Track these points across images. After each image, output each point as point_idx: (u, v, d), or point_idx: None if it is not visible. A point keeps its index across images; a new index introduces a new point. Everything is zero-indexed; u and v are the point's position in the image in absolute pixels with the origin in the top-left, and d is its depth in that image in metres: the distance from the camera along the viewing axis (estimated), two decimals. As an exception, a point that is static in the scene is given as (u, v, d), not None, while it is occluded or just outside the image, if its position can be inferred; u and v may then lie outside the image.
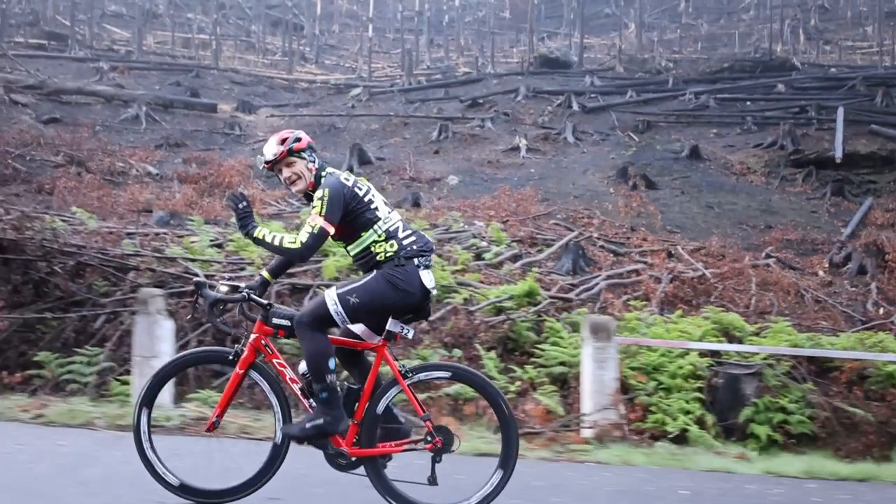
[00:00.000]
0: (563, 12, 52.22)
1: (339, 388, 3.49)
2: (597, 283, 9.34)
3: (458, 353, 7.50)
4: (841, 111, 19.03)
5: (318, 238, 3.37)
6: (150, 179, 17.11)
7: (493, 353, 7.43)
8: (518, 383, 7.00)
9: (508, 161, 19.27)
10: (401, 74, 37.18)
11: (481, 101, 26.14)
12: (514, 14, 51.39)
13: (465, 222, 12.11)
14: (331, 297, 3.43)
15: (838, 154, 16.78)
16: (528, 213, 13.24)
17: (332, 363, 3.43)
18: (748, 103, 23.67)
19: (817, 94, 24.10)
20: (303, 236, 3.38)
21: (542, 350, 7.27)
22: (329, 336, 3.56)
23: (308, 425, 3.47)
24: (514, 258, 10.46)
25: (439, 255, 9.75)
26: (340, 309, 3.40)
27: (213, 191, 17.11)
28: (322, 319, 3.44)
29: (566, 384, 7.11)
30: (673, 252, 11.61)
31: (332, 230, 3.37)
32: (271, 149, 3.52)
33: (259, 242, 3.47)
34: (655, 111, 23.46)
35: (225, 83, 31.35)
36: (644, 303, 8.64)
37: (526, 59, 35.26)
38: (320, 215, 3.36)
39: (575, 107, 24.29)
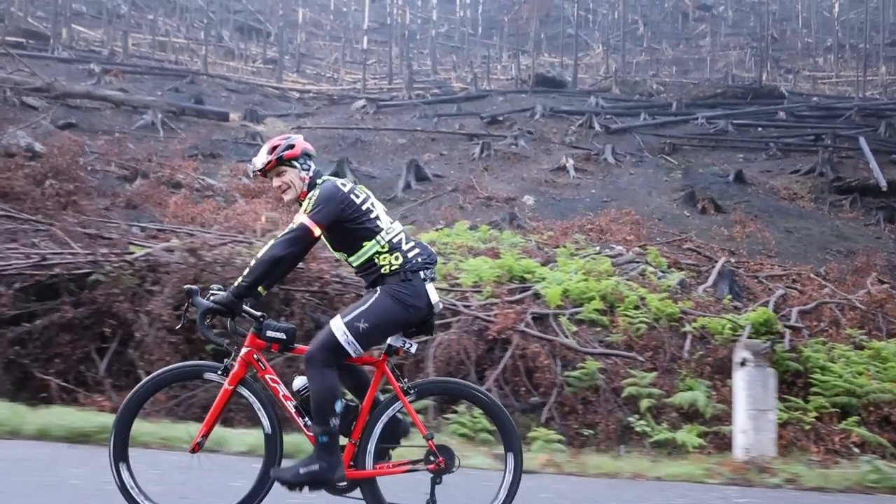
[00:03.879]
0: (527, 30, 53.33)
1: (339, 436, 3.25)
2: (787, 310, 9.66)
3: (731, 383, 7.58)
4: (863, 141, 20.40)
5: (299, 232, 3.15)
6: (212, 192, 16.28)
7: (767, 384, 7.55)
8: (811, 414, 7.12)
9: (562, 181, 19.51)
10: (387, 87, 36.98)
11: (500, 118, 26.34)
12: (485, 31, 52.06)
13: (602, 246, 12.21)
14: (338, 327, 3.19)
15: (882, 182, 18.00)
16: (642, 235, 13.48)
17: (338, 406, 3.20)
18: (759, 129, 24.96)
19: (817, 122, 25.72)
20: (280, 233, 3.20)
21: (822, 381, 7.43)
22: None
23: (302, 471, 3.20)
24: (681, 284, 10.64)
25: (633, 281, 9.82)
26: (351, 338, 3.17)
27: (278, 205, 16.50)
28: (334, 352, 3.20)
29: (848, 414, 7.31)
30: (799, 277, 12.12)
31: (316, 230, 3.16)
32: (261, 157, 3.35)
33: (251, 283, 3.16)
34: (676, 134, 24.35)
35: (221, 90, 30.21)
36: (860, 330, 8.97)
37: (518, 77, 35.83)
38: (305, 213, 3.18)
39: (597, 128, 24.89)
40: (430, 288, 3.31)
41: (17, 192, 9.71)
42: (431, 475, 3.31)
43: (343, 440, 3.31)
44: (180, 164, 17.55)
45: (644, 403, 6.74)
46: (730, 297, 10.09)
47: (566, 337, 7.71)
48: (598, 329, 8.23)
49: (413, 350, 3.38)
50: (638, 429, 6.49)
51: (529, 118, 26.33)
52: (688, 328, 8.20)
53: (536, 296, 8.56)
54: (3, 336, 5.81)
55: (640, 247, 12.21)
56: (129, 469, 3.19)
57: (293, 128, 24.27)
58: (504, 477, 3.40)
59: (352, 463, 3.29)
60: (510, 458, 3.41)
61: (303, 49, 47.13)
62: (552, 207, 16.76)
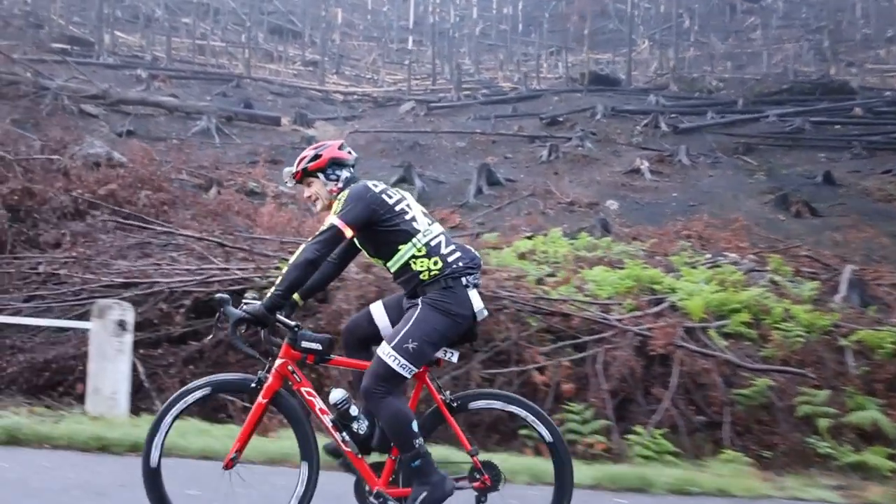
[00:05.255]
0: (568, 27, 52.25)
1: (428, 451, 3.09)
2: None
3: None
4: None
5: (330, 233, 3.00)
6: (288, 200, 15.63)
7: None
8: None
9: (639, 184, 18.59)
10: (431, 88, 36.25)
11: (560, 119, 25.45)
12: (524, 28, 51.10)
13: (714, 253, 11.34)
14: (387, 353, 3.03)
15: None
16: (746, 241, 12.57)
17: (415, 426, 3.05)
18: (837, 126, 23.76)
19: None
20: (312, 237, 3.05)
21: None
22: (400, 396, 3.16)
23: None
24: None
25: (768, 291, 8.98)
26: (403, 361, 3.01)
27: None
28: (390, 380, 3.04)
29: None
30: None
31: (348, 231, 3.01)
32: (292, 168, 3.27)
33: (284, 291, 3.00)
34: (748, 133, 23.25)
35: (266, 94, 29.73)
36: None
37: (568, 75, 34.89)
38: (335, 214, 3.03)
39: (664, 127, 23.88)
40: (474, 294, 3.12)
41: (119, 202, 9.26)
42: (476, 493, 3.15)
43: (382, 457, 3.17)
44: (249, 172, 16.96)
45: (822, 423, 6.16)
46: (876, 307, 9.24)
47: (723, 352, 7.03)
48: (748, 343, 7.52)
49: (455, 359, 3.21)
50: (821, 450, 5.95)
51: (590, 118, 25.36)
52: (843, 342, 7.42)
53: (672, 308, 7.83)
54: (176, 355, 5.66)
55: (754, 254, 11.33)
56: (161, 481, 3.10)
57: (349, 132, 23.59)
58: (554, 495, 3.23)
59: (391, 479, 3.15)
60: (558, 477, 3.20)
61: (339, 50, 46.66)
62: (638, 213, 15.86)
